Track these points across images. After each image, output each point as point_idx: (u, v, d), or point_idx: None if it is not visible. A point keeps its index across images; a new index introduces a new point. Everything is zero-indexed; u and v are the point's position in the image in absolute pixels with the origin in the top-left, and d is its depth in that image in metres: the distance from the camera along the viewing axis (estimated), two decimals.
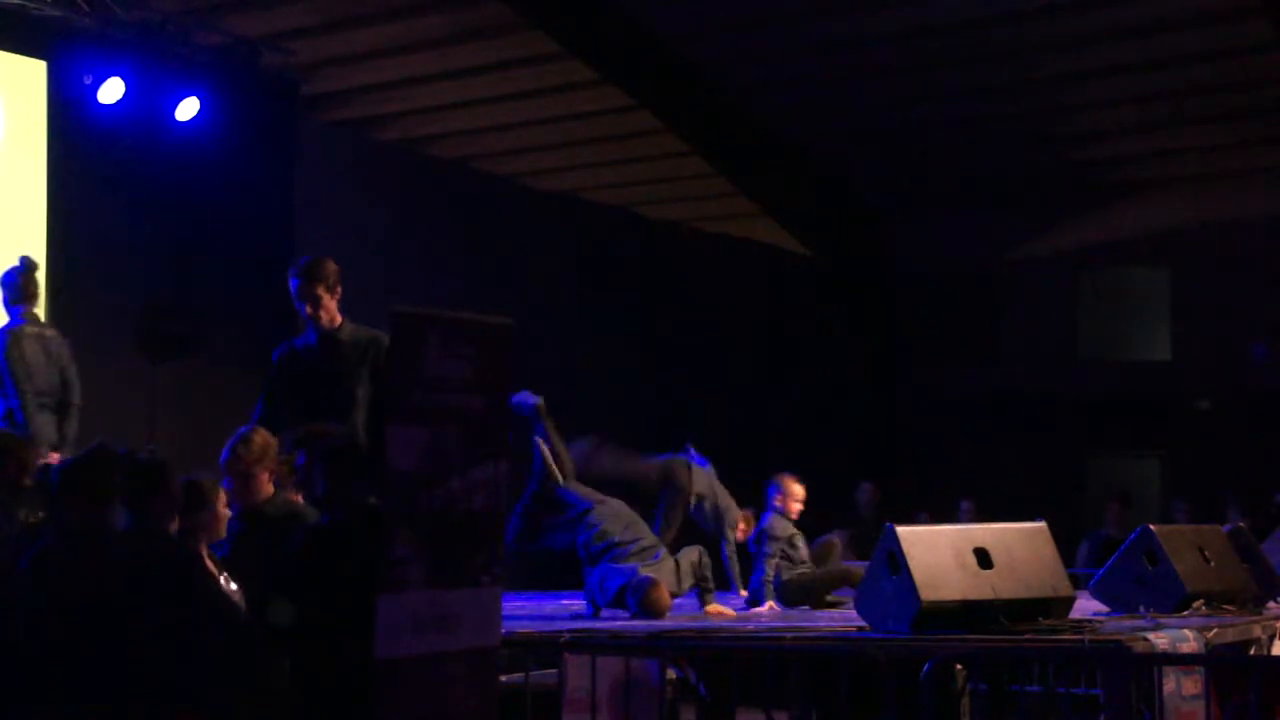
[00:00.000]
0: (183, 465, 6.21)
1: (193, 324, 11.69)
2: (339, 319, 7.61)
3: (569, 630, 7.26)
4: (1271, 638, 7.86)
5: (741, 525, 9.81)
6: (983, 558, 7.12)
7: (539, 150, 16.71)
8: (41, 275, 9.45)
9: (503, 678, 6.26)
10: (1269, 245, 17.47)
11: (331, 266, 7.60)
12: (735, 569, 9.84)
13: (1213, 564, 8.23)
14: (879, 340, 19.27)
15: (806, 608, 9.22)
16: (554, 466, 9.10)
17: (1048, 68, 15.40)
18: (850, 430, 18.24)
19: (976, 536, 7.26)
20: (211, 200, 12.21)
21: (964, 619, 6.94)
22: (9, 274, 9.21)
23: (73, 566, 5.30)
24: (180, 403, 11.48)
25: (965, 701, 7.63)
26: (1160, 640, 6.69)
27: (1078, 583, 9.23)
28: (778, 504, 9.37)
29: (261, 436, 6.73)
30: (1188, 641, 6.84)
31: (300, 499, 6.63)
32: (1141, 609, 7.74)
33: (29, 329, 9.15)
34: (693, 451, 9.97)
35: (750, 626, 7.81)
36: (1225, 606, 7.99)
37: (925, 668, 6.46)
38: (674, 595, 8.61)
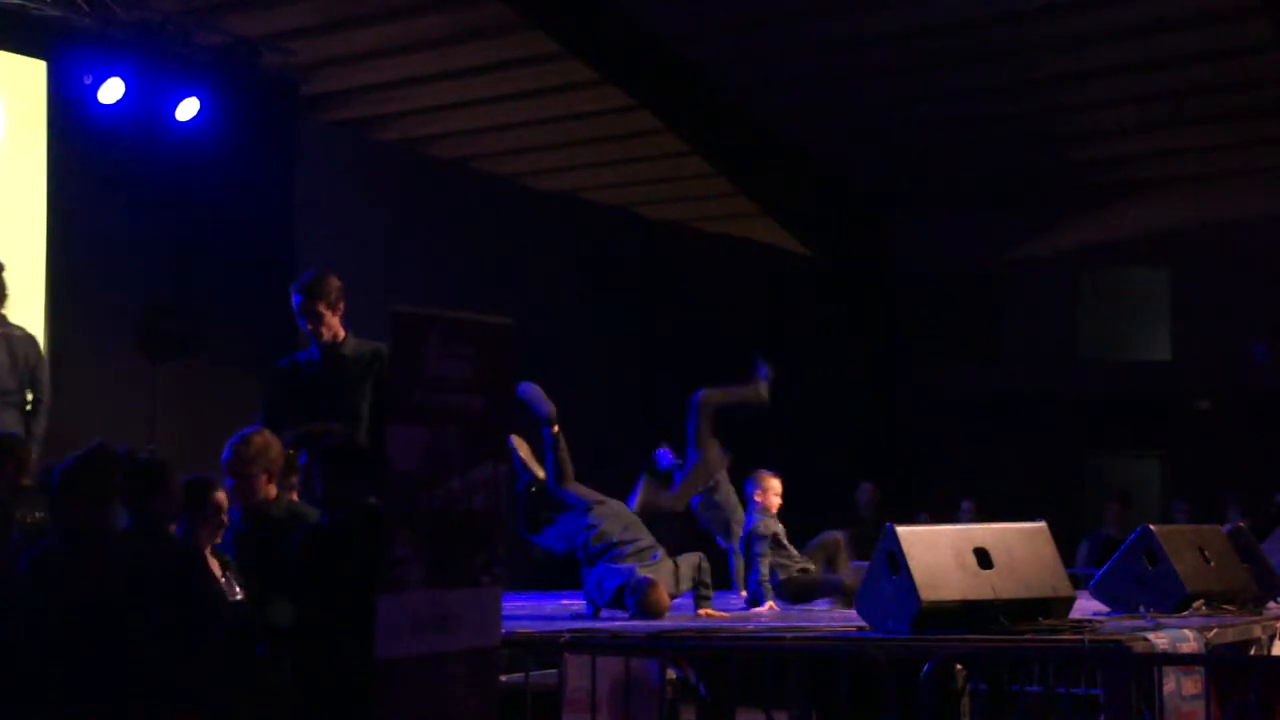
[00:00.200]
0: (183, 465, 6.22)
1: (193, 324, 11.68)
2: (342, 334, 7.57)
3: (569, 630, 7.26)
4: (1271, 638, 7.86)
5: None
6: (983, 558, 7.12)
7: (539, 150, 16.71)
8: (9, 276, 9.41)
9: (503, 678, 6.26)
10: (1269, 245, 17.47)
11: (333, 283, 7.56)
12: (739, 565, 9.83)
13: (1213, 564, 8.22)
14: (879, 340, 19.27)
15: (805, 606, 9.23)
16: (535, 465, 9.12)
17: (1048, 68, 15.40)
18: (850, 430, 18.24)
19: (976, 536, 7.26)
20: (211, 200, 12.21)
21: (964, 619, 6.94)
22: None
23: (73, 567, 5.30)
24: (180, 403, 11.48)
25: (965, 701, 7.63)
26: (1160, 640, 6.68)
27: (1078, 583, 9.23)
28: (758, 500, 9.40)
29: (261, 436, 6.73)
30: (1188, 641, 6.84)
31: (295, 497, 6.64)
32: (1141, 609, 7.74)
33: None
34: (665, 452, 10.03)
35: (750, 626, 7.81)
36: (1225, 606, 7.98)
37: (925, 668, 6.46)
38: (672, 596, 8.61)
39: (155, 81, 11.72)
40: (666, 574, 8.63)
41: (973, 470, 17.21)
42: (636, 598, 8.37)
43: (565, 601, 9.45)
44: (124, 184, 11.70)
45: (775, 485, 9.46)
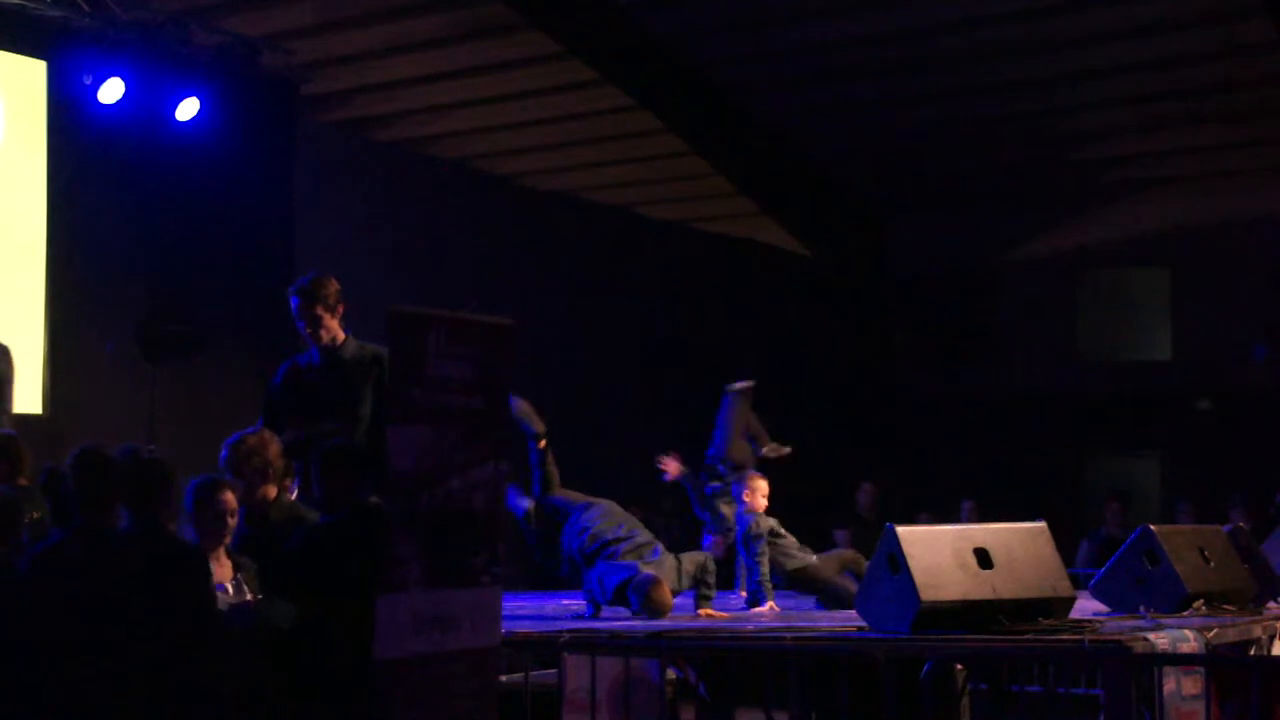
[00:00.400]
0: (183, 465, 6.21)
1: (193, 324, 11.68)
2: (341, 336, 7.52)
3: (569, 630, 7.26)
4: (1271, 638, 7.87)
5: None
6: (983, 558, 7.12)
7: (539, 150, 16.71)
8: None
9: (503, 678, 6.26)
10: (1269, 245, 17.47)
11: (332, 285, 7.50)
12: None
13: (1213, 564, 8.22)
14: (879, 340, 19.27)
15: (814, 599, 9.24)
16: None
17: (1048, 68, 15.40)
18: (850, 430, 18.24)
19: (976, 536, 7.26)
20: (211, 200, 12.21)
21: (964, 619, 6.94)
22: None
23: (74, 567, 5.30)
24: (180, 403, 11.48)
25: (965, 701, 7.63)
26: (1160, 640, 6.68)
27: (1078, 583, 9.22)
28: (746, 500, 9.40)
29: (258, 437, 6.73)
30: (1188, 641, 6.84)
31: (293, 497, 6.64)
32: (1141, 609, 7.74)
33: None
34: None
35: (750, 626, 7.80)
36: (1225, 606, 7.98)
37: (925, 668, 6.47)
38: (674, 593, 8.59)
39: (155, 81, 11.72)
40: (669, 570, 8.60)
41: (973, 470, 17.21)
42: (640, 595, 8.34)
43: (565, 601, 9.44)
44: (124, 184, 11.70)
45: (763, 486, 9.47)
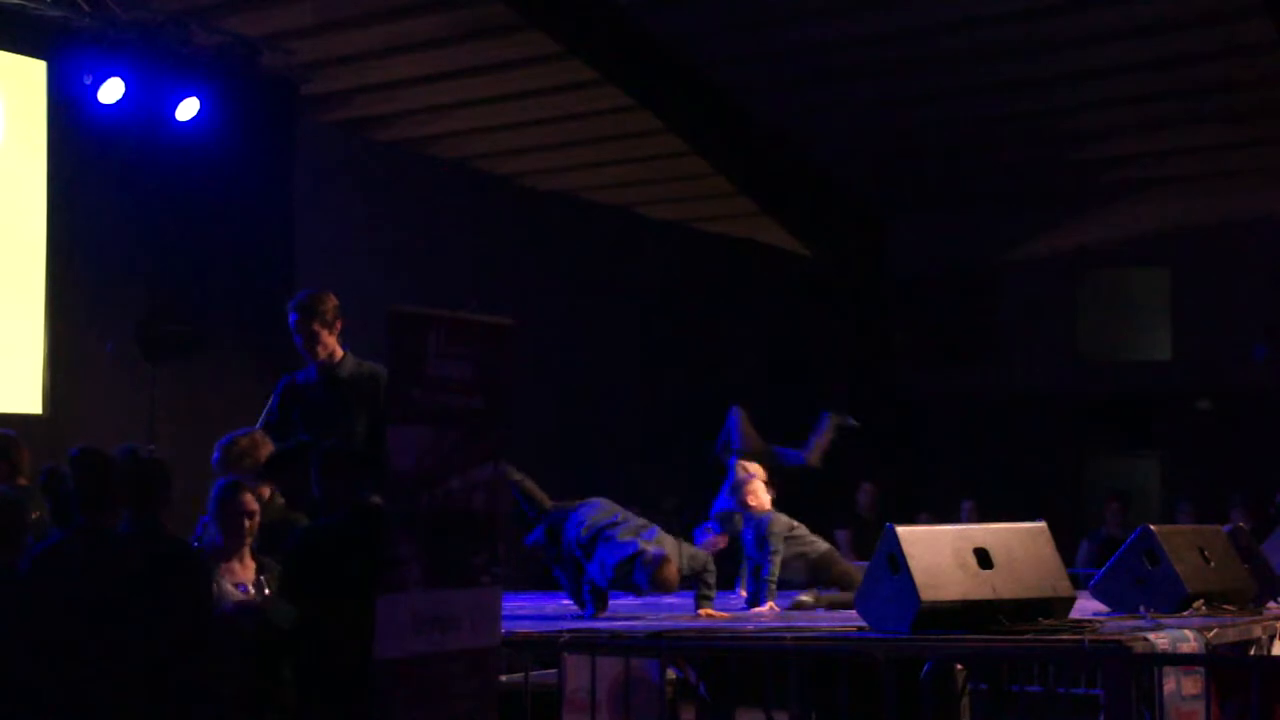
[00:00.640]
0: (183, 465, 6.21)
1: (193, 324, 11.68)
2: (339, 353, 7.49)
3: (569, 630, 7.26)
4: (1271, 638, 7.87)
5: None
6: (983, 558, 7.12)
7: (539, 150, 16.70)
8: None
9: (503, 678, 6.26)
10: (1269, 245, 17.46)
11: (330, 302, 7.47)
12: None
13: (1213, 564, 8.22)
14: (879, 340, 19.27)
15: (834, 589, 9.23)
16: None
17: (1048, 68, 15.39)
18: (850, 430, 18.21)
19: (976, 536, 7.26)
20: (211, 200, 12.21)
21: (964, 619, 6.94)
22: None
23: (74, 567, 5.30)
24: (180, 403, 11.48)
25: (965, 701, 7.63)
26: (1160, 640, 6.69)
27: (1078, 583, 9.22)
28: (752, 502, 9.43)
29: (249, 438, 6.74)
30: (1188, 641, 6.84)
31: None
32: (1141, 609, 7.74)
33: None
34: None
35: (750, 626, 7.80)
36: (1225, 606, 7.98)
37: (925, 668, 6.47)
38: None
39: (155, 81, 11.71)
40: (672, 547, 8.58)
41: (973, 470, 17.21)
42: (649, 572, 8.29)
43: (565, 601, 9.44)
44: (124, 184, 11.70)
45: (760, 483, 9.54)
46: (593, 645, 6.78)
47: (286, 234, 12.94)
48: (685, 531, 9.44)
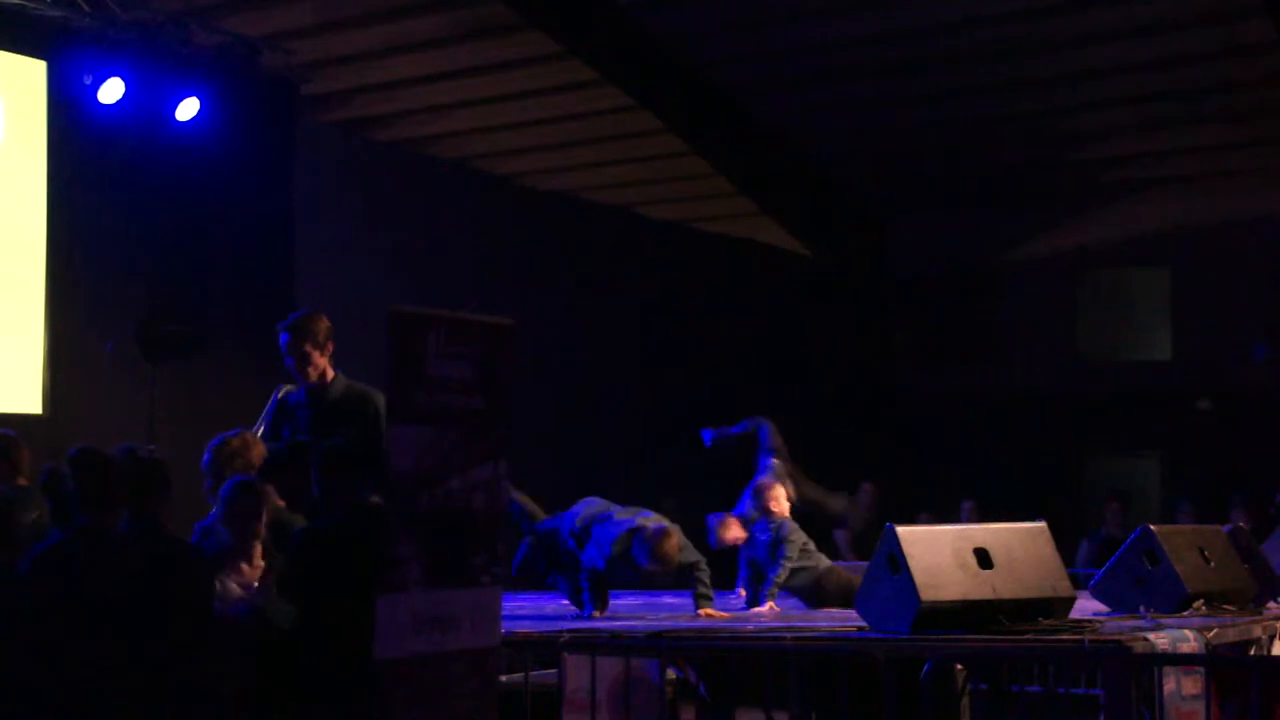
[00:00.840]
0: (183, 465, 6.21)
1: (193, 324, 11.68)
2: (330, 374, 7.43)
3: (569, 630, 7.26)
4: (1271, 638, 7.87)
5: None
6: (983, 558, 7.12)
7: (539, 150, 16.71)
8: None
9: (503, 678, 6.26)
10: (1269, 245, 17.47)
11: (322, 323, 7.39)
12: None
13: (1213, 564, 8.22)
14: (879, 340, 19.27)
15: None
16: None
17: (1048, 67, 15.39)
18: (850, 430, 18.24)
19: (976, 536, 7.27)
20: (211, 200, 12.21)
21: (964, 619, 6.95)
22: None
23: (75, 567, 5.30)
24: (180, 403, 11.48)
25: (965, 701, 7.63)
26: (1160, 640, 6.69)
27: (1078, 583, 9.23)
28: (774, 509, 9.44)
29: (240, 439, 6.73)
30: (1188, 641, 6.85)
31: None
32: (1141, 609, 7.74)
33: None
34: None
35: (750, 626, 7.81)
36: (1225, 606, 7.98)
37: (925, 668, 6.47)
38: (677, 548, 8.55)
39: (155, 81, 11.72)
40: (672, 526, 8.59)
41: (973, 470, 17.20)
42: (649, 546, 8.28)
43: (565, 601, 9.45)
44: (124, 184, 11.70)
45: (782, 493, 9.58)
46: (593, 645, 6.78)
47: (286, 234, 12.95)
48: (685, 532, 9.44)
